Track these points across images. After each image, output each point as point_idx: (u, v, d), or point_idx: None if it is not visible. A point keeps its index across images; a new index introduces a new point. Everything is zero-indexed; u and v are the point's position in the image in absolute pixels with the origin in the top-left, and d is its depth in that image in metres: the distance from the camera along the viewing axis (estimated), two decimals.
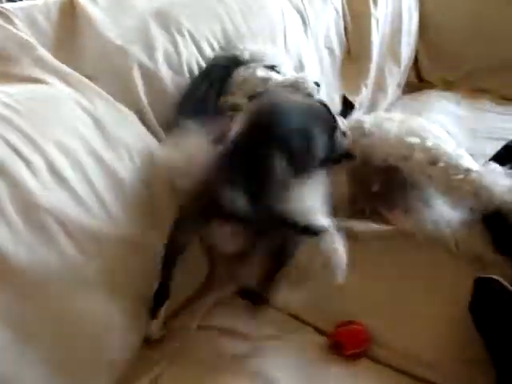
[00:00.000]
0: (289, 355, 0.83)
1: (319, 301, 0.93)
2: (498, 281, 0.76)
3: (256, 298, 0.83)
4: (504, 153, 0.97)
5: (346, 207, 1.08)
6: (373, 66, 1.57)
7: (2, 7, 0.92)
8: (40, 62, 0.89)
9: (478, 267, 0.90)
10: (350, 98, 1.47)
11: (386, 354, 0.84)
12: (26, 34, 0.91)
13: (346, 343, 0.83)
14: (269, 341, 0.86)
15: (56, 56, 0.93)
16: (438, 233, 0.98)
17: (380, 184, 1.06)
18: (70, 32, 0.98)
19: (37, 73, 0.88)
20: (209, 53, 1.09)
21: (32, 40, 0.91)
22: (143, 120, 0.97)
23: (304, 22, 1.39)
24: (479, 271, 0.85)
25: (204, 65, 1.08)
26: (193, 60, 1.06)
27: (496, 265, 0.90)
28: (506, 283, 0.75)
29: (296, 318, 0.93)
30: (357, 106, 1.49)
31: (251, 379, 0.79)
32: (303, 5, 1.40)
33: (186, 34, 1.06)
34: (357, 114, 1.18)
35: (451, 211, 1.00)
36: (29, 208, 0.71)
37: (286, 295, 0.92)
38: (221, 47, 1.12)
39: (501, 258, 0.90)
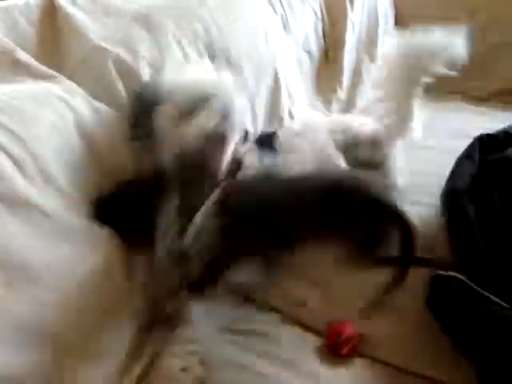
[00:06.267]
0: (283, 355, 0.83)
1: (307, 301, 0.94)
2: (459, 278, 0.77)
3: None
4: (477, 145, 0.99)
5: None
6: (347, 68, 1.59)
7: None
8: (19, 65, 0.89)
9: None
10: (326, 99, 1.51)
11: (380, 352, 0.84)
12: (4, 35, 0.90)
13: (341, 342, 0.83)
14: (261, 340, 0.87)
15: (37, 57, 0.92)
16: None
17: None
18: (51, 33, 0.98)
19: (16, 75, 0.88)
20: (192, 53, 1.10)
21: (11, 42, 0.90)
22: None
23: (284, 25, 1.41)
24: None
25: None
26: (178, 58, 1.06)
27: None
28: (468, 281, 0.76)
29: (287, 316, 0.93)
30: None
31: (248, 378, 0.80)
32: (283, 8, 1.42)
33: (169, 35, 1.07)
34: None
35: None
36: (16, 203, 0.72)
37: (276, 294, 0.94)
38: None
39: None
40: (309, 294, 0.95)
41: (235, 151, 0.95)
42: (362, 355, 0.85)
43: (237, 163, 0.95)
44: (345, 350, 0.84)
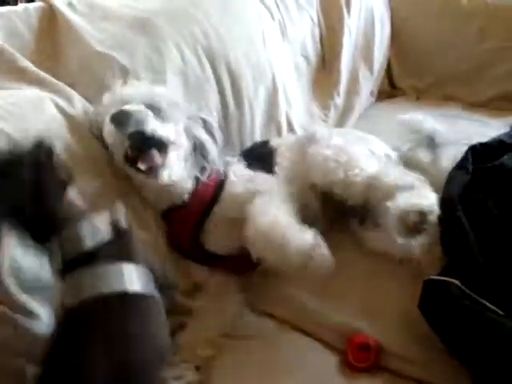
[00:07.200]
0: (283, 361, 0.84)
1: (322, 315, 0.92)
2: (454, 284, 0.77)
3: None
4: (470, 155, 1.00)
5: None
6: (344, 74, 1.59)
7: None
8: (18, 70, 0.90)
9: None
10: (323, 105, 1.51)
11: (400, 365, 0.82)
12: (3, 40, 0.91)
13: (356, 357, 0.83)
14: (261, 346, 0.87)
15: (36, 63, 0.93)
16: (406, 253, 0.93)
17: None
18: (49, 39, 0.98)
19: (15, 81, 0.88)
20: (191, 55, 1.10)
21: (9, 47, 0.90)
22: None
23: (281, 30, 1.42)
24: None
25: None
26: (176, 61, 1.07)
27: None
28: (464, 288, 0.76)
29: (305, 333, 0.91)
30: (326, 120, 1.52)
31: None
32: (280, 13, 1.42)
33: (167, 38, 1.07)
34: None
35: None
36: None
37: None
38: None
39: None
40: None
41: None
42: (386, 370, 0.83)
43: None
44: (361, 365, 0.82)
